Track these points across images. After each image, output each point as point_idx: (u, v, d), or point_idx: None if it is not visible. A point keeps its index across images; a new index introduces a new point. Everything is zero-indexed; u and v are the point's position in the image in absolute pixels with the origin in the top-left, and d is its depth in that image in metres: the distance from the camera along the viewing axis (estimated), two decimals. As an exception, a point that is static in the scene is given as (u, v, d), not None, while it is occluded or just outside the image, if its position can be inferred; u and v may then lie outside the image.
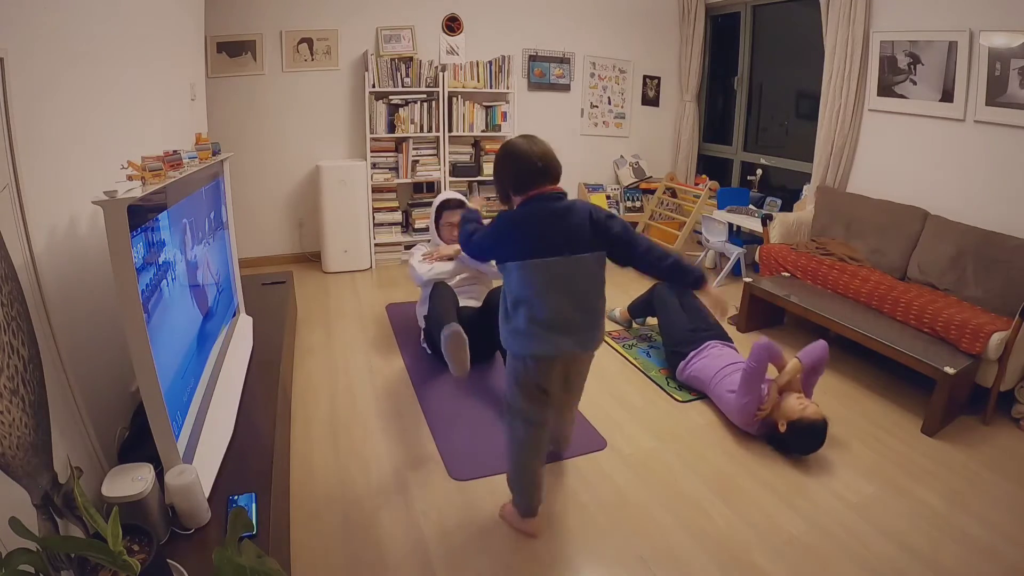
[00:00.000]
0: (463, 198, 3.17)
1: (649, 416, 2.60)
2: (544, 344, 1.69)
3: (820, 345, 2.43)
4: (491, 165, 4.78)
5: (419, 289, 3.17)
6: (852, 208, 3.64)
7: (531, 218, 1.68)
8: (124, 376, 1.75)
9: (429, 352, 3.08)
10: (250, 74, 4.24)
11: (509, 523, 1.91)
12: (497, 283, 3.04)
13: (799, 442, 2.26)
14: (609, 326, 3.54)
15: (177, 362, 1.64)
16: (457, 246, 2.99)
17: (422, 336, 3.12)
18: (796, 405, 2.28)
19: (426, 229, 4.60)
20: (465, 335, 2.37)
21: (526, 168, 1.68)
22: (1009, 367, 2.47)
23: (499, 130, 4.74)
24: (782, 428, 2.27)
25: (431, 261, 3.06)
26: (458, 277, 3.07)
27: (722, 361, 2.64)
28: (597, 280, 1.77)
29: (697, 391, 2.77)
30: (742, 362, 2.56)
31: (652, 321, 3.37)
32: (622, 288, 4.20)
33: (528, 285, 1.66)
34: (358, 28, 4.40)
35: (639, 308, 3.36)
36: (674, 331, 2.92)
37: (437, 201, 3.20)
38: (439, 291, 2.86)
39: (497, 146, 4.68)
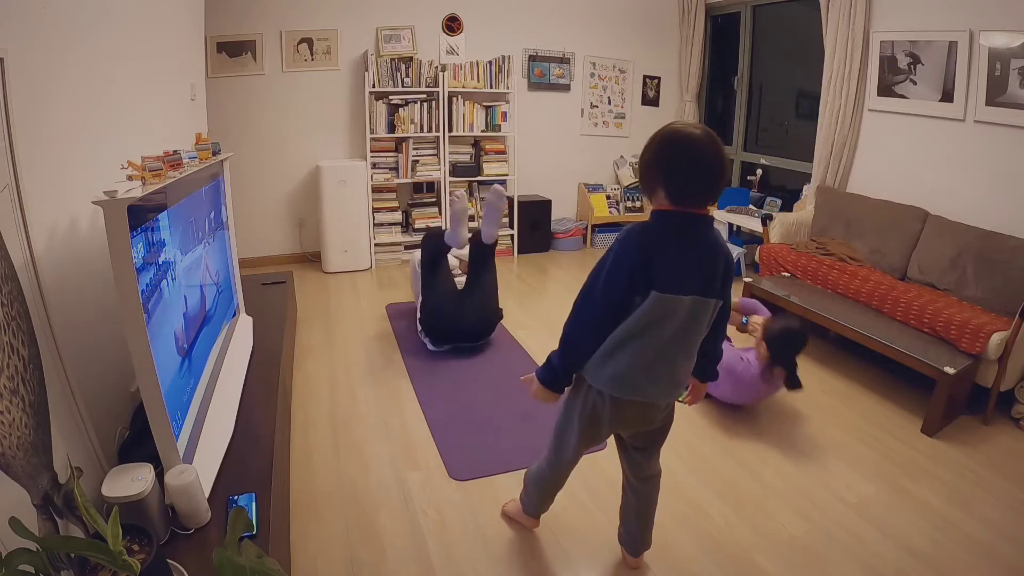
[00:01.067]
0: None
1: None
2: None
3: (750, 301, 2.84)
4: (491, 165, 4.80)
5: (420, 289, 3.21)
6: (852, 208, 3.65)
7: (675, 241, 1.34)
8: (124, 376, 1.75)
9: (430, 347, 3.08)
10: (250, 74, 4.24)
11: (510, 516, 1.94)
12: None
13: (783, 346, 2.39)
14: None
15: (177, 362, 1.64)
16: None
17: (419, 329, 3.13)
18: (756, 333, 2.51)
19: (426, 229, 4.62)
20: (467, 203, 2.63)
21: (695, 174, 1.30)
22: (1009, 367, 2.47)
23: (499, 130, 4.74)
24: (764, 351, 2.42)
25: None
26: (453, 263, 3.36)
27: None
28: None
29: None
30: (734, 348, 2.61)
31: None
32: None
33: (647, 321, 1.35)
34: (358, 28, 4.40)
35: None
36: None
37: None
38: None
39: (498, 146, 4.79)
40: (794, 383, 2.40)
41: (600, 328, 1.39)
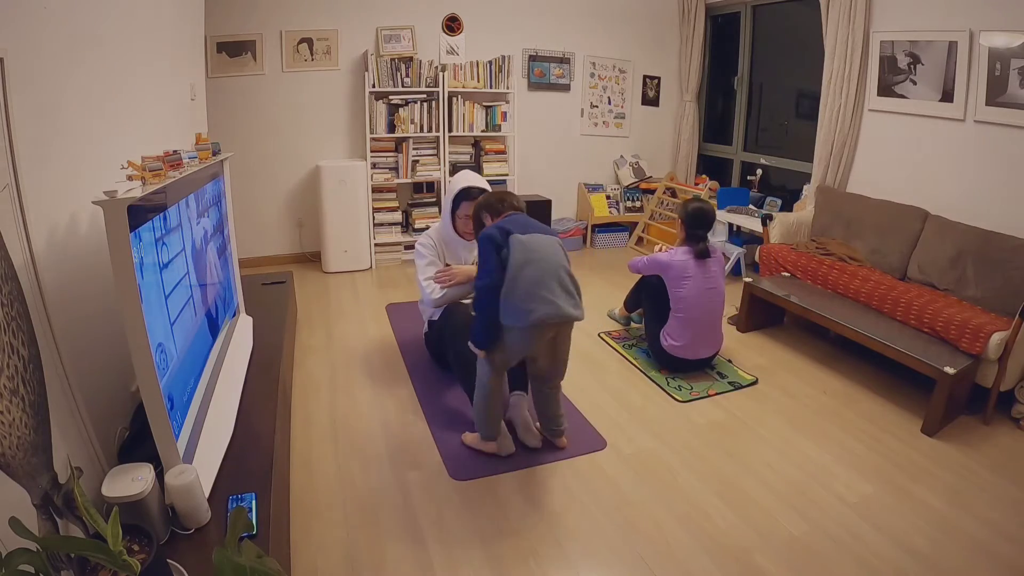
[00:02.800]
0: (488, 188, 2.73)
1: (649, 416, 2.60)
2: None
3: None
4: (491, 165, 4.81)
5: (418, 290, 2.82)
6: (852, 208, 3.64)
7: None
8: (124, 376, 1.75)
9: (430, 354, 3.07)
10: (250, 74, 4.24)
11: (471, 446, 2.28)
12: None
13: (695, 218, 2.92)
14: (609, 325, 3.55)
15: (177, 361, 1.64)
16: (473, 268, 2.64)
17: (425, 328, 2.99)
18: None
19: (426, 229, 4.58)
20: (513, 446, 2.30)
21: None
22: (1009, 367, 2.47)
23: (499, 130, 4.74)
24: (679, 231, 3.00)
25: (442, 281, 2.66)
26: (471, 297, 2.67)
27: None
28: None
29: (698, 391, 2.77)
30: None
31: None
32: (623, 289, 4.21)
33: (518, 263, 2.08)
34: (358, 28, 4.40)
35: (632, 300, 3.37)
36: (662, 312, 2.95)
37: (456, 186, 2.75)
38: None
39: (498, 146, 4.80)
40: (705, 252, 2.87)
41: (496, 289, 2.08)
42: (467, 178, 2.81)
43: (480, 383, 2.18)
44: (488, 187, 2.78)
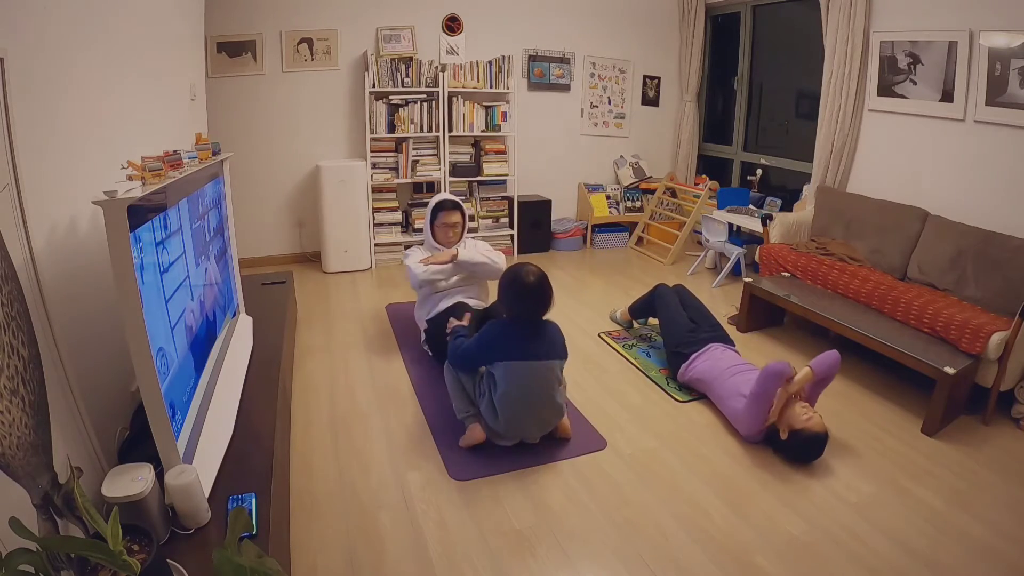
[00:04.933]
0: (458, 200, 3.12)
1: (649, 416, 2.60)
2: None
3: (833, 355, 2.37)
4: (491, 165, 4.80)
5: (413, 287, 3.10)
6: (852, 208, 3.65)
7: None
8: (124, 376, 1.75)
9: (430, 354, 3.07)
10: (250, 74, 4.25)
11: (466, 442, 2.30)
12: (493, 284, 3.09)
13: (798, 451, 2.24)
14: (609, 326, 3.54)
15: (177, 361, 1.63)
16: (454, 250, 2.99)
17: (423, 338, 3.11)
18: (800, 415, 2.23)
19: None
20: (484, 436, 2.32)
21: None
22: (1009, 367, 2.47)
23: (499, 130, 4.74)
24: (784, 435, 2.25)
25: (427, 262, 3.00)
26: (454, 278, 3.05)
27: (725, 363, 2.63)
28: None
29: (698, 392, 2.77)
30: (744, 364, 2.59)
31: (653, 321, 3.37)
32: (623, 289, 4.21)
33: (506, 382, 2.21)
34: (358, 28, 4.40)
35: (640, 309, 3.34)
36: (675, 331, 2.92)
37: (433, 202, 3.12)
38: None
39: (498, 146, 4.79)
40: (782, 453, 2.29)
41: (470, 369, 2.38)
42: (440, 195, 3.25)
43: (448, 368, 2.39)
44: (460, 204, 3.11)
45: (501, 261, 3.02)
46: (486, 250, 3.09)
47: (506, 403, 2.18)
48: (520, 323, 2.24)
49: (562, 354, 2.29)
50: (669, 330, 2.97)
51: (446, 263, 2.98)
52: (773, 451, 2.31)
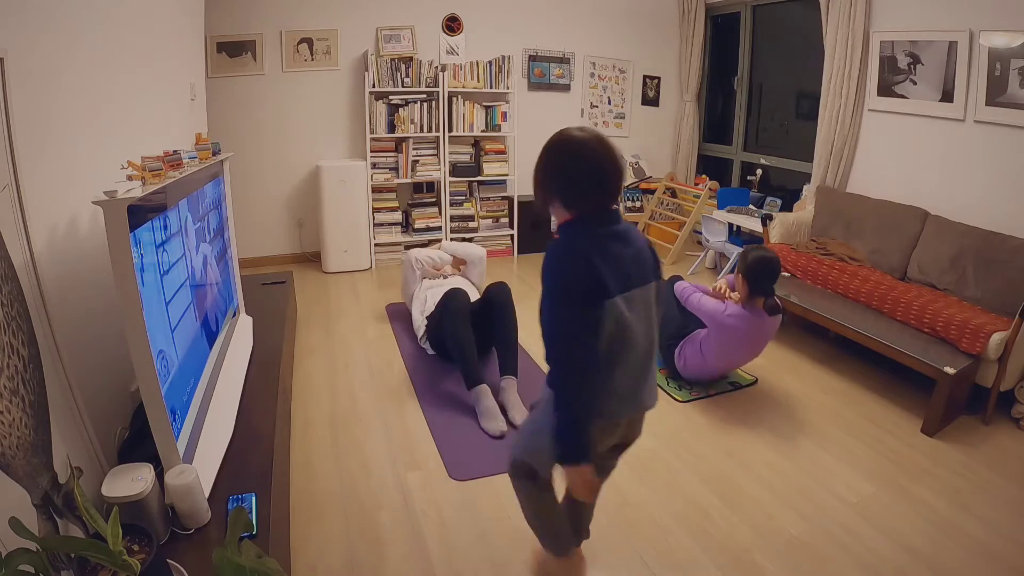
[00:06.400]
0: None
1: (649, 416, 2.58)
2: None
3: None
4: (491, 165, 4.79)
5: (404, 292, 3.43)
6: (852, 208, 3.64)
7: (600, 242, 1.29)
8: (124, 376, 1.75)
9: (430, 352, 3.08)
10: (250, 74, 4.24)
11: (543, 570, 1.71)
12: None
13: (761, 272, 2.52)
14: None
15: (177, 361, 1.63)
16: (447, 269, 3.41)
17: (420, 335, 3.11)
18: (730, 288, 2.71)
19: (426, 229, 4.62)
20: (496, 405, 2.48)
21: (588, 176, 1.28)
22: (1009, 367, 2.47)
23: (499, 130, 4.74)
24: (738, 296, 2.61)
25: (429, 271, 3.33)
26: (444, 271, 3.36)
27: (702, 333, 2.77)
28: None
29: (698, 391, 2.77)
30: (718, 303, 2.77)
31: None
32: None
33: (619, 331, 1.30)
34: (358, 28, 4.40)
35: None
36: (668, 325, 2.93)
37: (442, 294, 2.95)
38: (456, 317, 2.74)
39: (498, 146, 4.79)
40: (775, 308, 2.55)
41: (595, 368, 1.26)
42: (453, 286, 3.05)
43: (527, 496, 1.59)
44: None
45: (481, 250, 3.45)
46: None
47: (608, 360, 1.29)
48: (595, 222, 1.29)
49: (658, 266, 1.42)
50: (662, 324, 2.98)
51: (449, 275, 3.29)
52: (763, 300, 2.54)
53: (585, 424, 1.26)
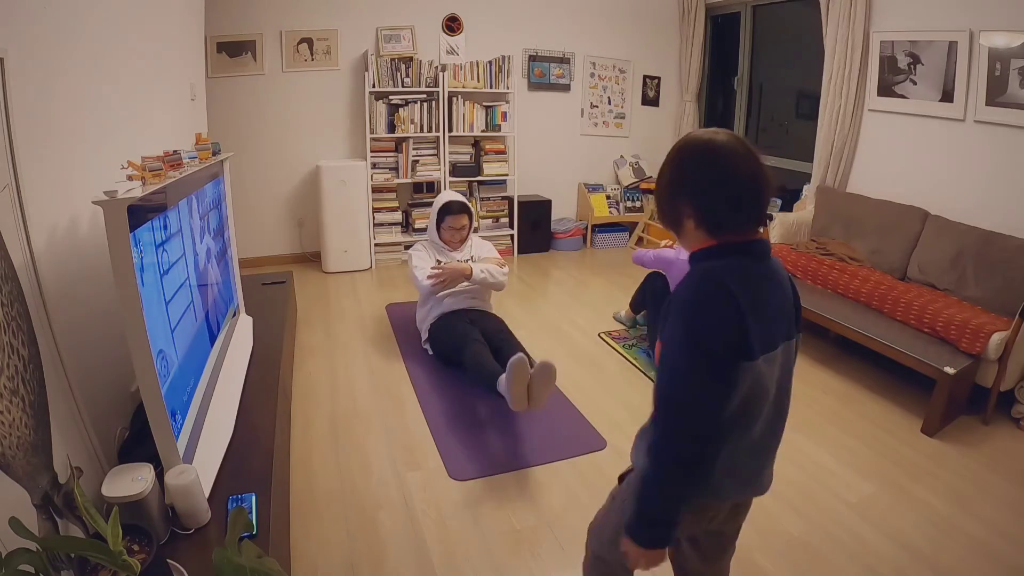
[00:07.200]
0: (466, 202, 3.09)
1: (648, 415, 2.59)
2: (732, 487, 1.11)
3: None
4: (491, 165, 4.79)
5: (418, 289, 3.06)
6: (852, 208, 3.64)
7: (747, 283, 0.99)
8: (124, 376, 1.75)
9: (430, 354, 3.07)
10: (250, 74, 4.24)
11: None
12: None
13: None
14: (610, 325, 3.55)
15: (177, 361, 1.63)
16: (467, 267, 2.91)
17: (424, 337, 3.11)
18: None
19: (426, 229, 4.60)
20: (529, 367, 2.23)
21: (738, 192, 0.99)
22: (1009, 367, 2.47)
23: (499, 130, 4.74)
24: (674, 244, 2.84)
25: (438, 280, 2.89)
26: (462, 285, 3.01)
27: None
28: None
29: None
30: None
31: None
32: (623, 289, 4.21)
33: (750, 400, 1.01)
34: (358, 28, 4.40)
35: (639, 302, 3.36)
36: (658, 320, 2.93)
37: (439, 203, 3.07)
38: (465, 339, 2.74)
39: (498, 146, 4.79)
40: None
41: (714, 444, 0.99)
42: (447, 195, 3.13)
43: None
44: (467, 201, 3.02)
45: (505, 277, 3.05)
46: (491, 252, 3.15)
47: (738, 438, 1.05)
48: (746, 255, 1.01)
49: (799, 313, 1.12)
50: (654, 318, 3.00)
51: (454, 280, 2.93)
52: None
53: (677, 505, 1.01)
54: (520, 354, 2.29)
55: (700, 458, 0.98)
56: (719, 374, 0.94)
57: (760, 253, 1.02)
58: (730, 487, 1.10)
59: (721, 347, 0.94)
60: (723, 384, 0.95)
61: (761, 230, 1.03)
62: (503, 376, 2.34)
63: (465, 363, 2.66)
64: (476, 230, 4.68)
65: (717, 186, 0.99)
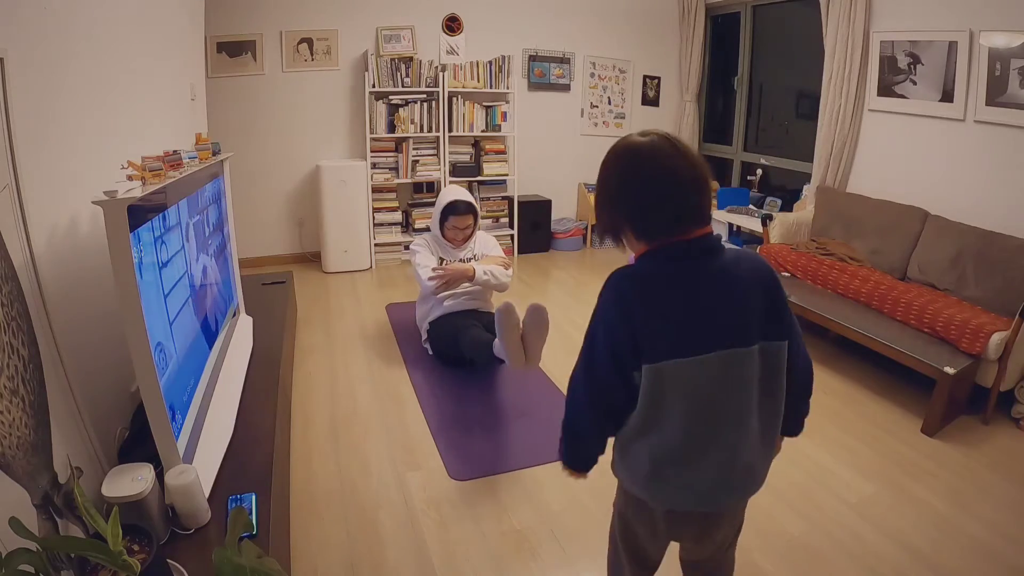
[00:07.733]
0: (473, 201, 3.03)
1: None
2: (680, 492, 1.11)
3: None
4: (491, 165, 4.79)
5: (419, 287, 3.05)
6: (852, 208, 3.64)
7: (676, 284, 1.01)
8: (124, 376, 1.75)
9: (430, 353, 3.07)
10: (250, 74, 4.24)
11: None
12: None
13: None
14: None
15: (177, 361, 1.63)
16: (470, 268, 2.90)
17: (423, 337, 3.11)
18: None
19: (426, 229, 4.60)
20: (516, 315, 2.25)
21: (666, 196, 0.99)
22: (1009, 367, 2.47)
23: (499, 130, 4.74)
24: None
25: (441, 280, 2.87)
26: (463, 286, 2.99)
27: None
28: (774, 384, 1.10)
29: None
30: None
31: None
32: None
33: (656, 402, 1.03)
34: (358, 28, 4.40)
35: None
36: None
37: (443, 201, 2.99)
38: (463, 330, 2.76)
39: (498, 146, 4.79)
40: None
41: (593, 412, 1.12)
42: (453, 192, 3.07)
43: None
44: (473, 200, 2.99)
45: (508, 278, 3.04)
46: (495, 249, 3.15)
47: (657, 413, 1.05)
48: (681, 256, 1.00)
49: (780, 316, 1.09)
50: None
51: (456, 281, 2.92)
52: None
53: (581, 453, 1.28)
54: (507, 302, 2.29)
55: (585, 431, 1.19)
56: (604, 368, 1.03)
57: (700, 252, 1.00)
58: (659, 492, 1.13)
59: (611, 347, 1.01)
60: (606, 377, 1.04)
61: (704, 227, 1.01)
62: (497, 340, 2.34)
63: (463, 347, 2.68)
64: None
65: (637, 191, 1.00)
